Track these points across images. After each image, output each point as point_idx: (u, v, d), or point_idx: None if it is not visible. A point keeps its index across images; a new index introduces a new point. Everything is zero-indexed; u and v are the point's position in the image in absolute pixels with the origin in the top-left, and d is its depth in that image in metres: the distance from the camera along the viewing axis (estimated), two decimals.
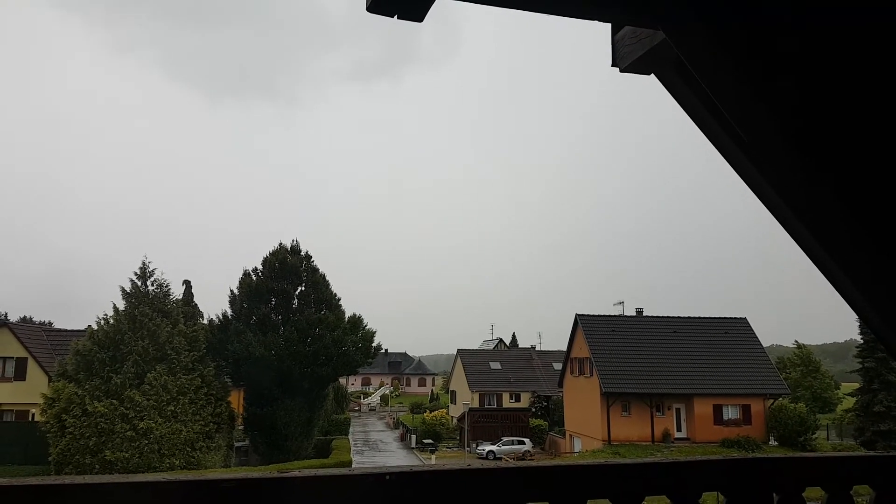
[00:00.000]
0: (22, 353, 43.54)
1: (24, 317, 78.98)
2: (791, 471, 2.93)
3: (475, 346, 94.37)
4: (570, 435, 49.41)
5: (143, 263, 35.66)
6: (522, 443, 48.48)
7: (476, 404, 62.01)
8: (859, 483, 3.05)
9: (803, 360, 70.66)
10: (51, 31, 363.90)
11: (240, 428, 42.32)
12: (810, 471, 3.04)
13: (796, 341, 74.67)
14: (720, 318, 51.10)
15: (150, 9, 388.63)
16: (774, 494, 2.81)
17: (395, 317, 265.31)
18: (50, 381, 38.09)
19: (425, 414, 64.07)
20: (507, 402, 65.93)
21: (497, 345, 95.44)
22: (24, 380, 43.18)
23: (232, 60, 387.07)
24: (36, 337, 46.50)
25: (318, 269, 42.94)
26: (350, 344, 40.97)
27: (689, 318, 50.87)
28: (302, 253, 43.07)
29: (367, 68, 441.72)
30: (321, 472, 2.19)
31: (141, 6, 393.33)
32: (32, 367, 43.54)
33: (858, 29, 1.82)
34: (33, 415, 40.71)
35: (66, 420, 31.37)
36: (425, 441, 52.31)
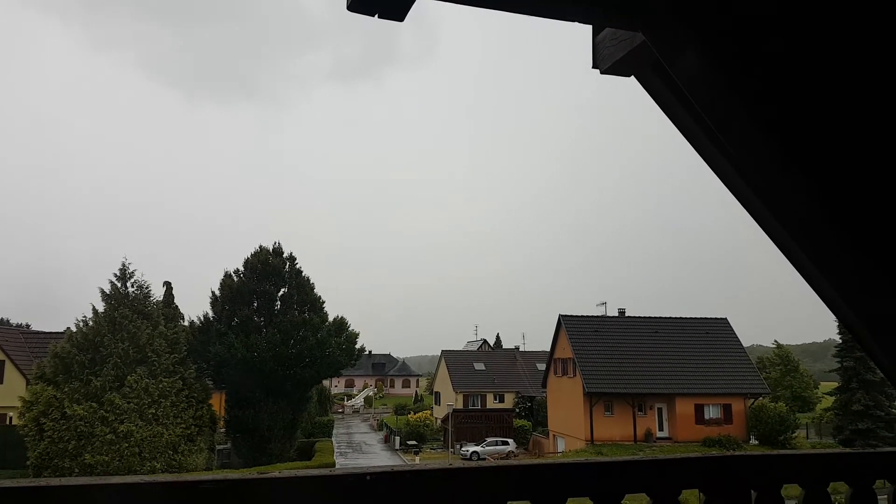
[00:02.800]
0: None
1: (1, 319, 77.85)
2: (769, 468, 2.96)
3: (459, 347, 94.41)
4: (554, 435, 49.58)
5: (123, 265, 35.25)
6: (506, 443, 48.54)
7: (460, 405, 62.00)
8: (836, 480, 3.08)
9: (783, 360, 71.49)
10: (27, 30, 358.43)
11: (221, 431, 41.99)
12: (788, 468, 3.07)
13: (776, 341, 75.56)
14: (701, 318, 51.55)
15: (130, 9, 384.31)
16: (752, 491, 2.83)
17: (380, 318, 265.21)
18: (28, 383, 37.53)
19: (409, 415, 63.94)
20: (492, 403, 65.98)
21: (481, 346, 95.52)
22: (2, 383, 42.53)
23: (213, 60, 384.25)
24: (13, 339, 45.82)
25: (301, 271, 42.75)
26: (334, 346, 40.82)
27: (670, 318, 51.26)
28: (284, 254, 42.84)
29: (349, 68, 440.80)
30: (301, 472, 2.19)
31: (120, 6, 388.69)
32: (10, 370, 42.91)
33: (843, 28, 1.84)
34: (11, 418, 40.12)
35: (44, 423, 30.91)
36: (409, 442, 52.22)
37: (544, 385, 53.84)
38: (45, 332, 47.39)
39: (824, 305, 2.65)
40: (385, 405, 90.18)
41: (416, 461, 43.46)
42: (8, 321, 76.94)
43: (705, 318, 51.44)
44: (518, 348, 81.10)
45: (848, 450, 3.61)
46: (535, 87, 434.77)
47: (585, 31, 2.47)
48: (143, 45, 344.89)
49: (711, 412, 45.45)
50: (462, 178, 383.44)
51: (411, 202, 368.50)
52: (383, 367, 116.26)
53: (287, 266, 42.44)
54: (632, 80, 2.46)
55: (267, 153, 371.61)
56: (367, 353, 66.17)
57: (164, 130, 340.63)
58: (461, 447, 48.67)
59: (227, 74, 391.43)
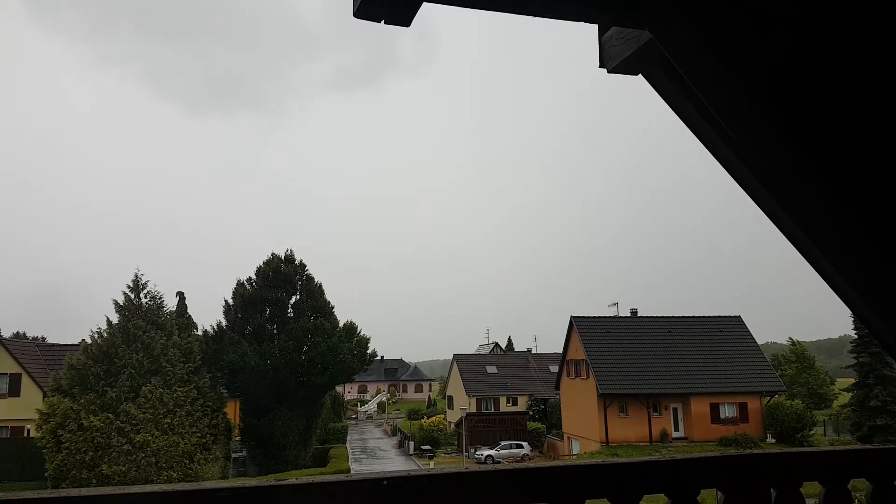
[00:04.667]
0: (16, 368, 43.25)
1: (18, 332, 78.58)
2: (788, 466, 2.94)
3: (471, 350, 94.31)
4: (568, 437, 49.40)
5: (136, 276, 35.45)
6: (521, 446, 48.41)
7: (473, 409, 61.94)
8: (856, 477, 3.05)
9: (798, 357, 70.83)
10: (32, 48, 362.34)
11: (237, 439, 42.12)
12: (807, 465, 3.04)
13: (791, 338, 74.90)
14: (715, 316, 51.23)
15: (132, 26, 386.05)
16: (772, 490, 2.81)
17: (391, 323, 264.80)
18: (45, 396, 37.82)
19: (423, 420, 63.93)
20: (505, 406, 65.87)
21: (493, 349, 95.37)
22: (19, 396, 42.89)
23: (217, 73, 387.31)
24: (29, 352, 46.21)
25: (313, 278, 42.92)
26: (346, 351, 40.90)
27: (683, 317, 50.96)
28: (296, 262, 43.03)
29: (350, 76, 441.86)
30: (318, 478, 2.19)
31: (122, 23, 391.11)
32: (27, 383, 43.26)
33: (848, 25, 1.84)
34: (28, 431, 40.43)
35: (61, 435, 31.12)
36: (423, 447, 52.18)
37: (557, 387, 53.66)
38: (60, 345, 47.77)
39: (839, 301, 2.63)
40: (398, 410, 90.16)
41: (431, 466, 43.41)
42: (24, 335, 77.65)
43: (719, 317, 51.12)
44: (530, 350, 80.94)
45: (867, 446, 3.58)
46: (535, 86, 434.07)
47: (590, 30, 2.47)
48: (146, 61, 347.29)
49: (727, 411, 45.14)
50: (468, 181, 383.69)
51: (417, 207, 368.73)
52: (396, 373, 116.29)
53: (298, 273, 42.63)
54: (638, 78, 2.46)
55: (272, 164, 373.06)
56: (378, 358, 66.37)
57: (170, 143, 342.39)
58: (475, 451, 48.59)
59: (230, 86, 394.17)
